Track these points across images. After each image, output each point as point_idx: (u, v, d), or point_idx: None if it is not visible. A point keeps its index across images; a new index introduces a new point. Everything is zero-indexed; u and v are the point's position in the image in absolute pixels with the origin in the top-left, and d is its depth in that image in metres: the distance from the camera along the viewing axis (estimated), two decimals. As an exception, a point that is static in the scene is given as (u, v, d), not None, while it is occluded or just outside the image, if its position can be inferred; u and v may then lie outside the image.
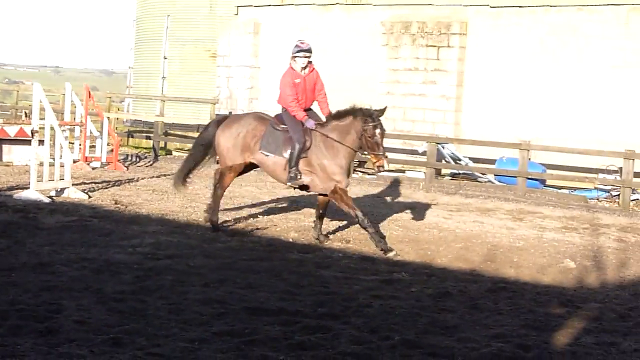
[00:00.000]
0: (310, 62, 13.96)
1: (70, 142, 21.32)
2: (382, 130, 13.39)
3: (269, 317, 9.27)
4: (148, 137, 30.24)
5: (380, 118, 13.40)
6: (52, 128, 17.95)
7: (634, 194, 21.39)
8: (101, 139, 23.44)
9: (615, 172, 22.10)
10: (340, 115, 13.70)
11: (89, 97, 23.18)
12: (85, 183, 19.08)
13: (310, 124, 13.71)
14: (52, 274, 10.63)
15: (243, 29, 30.19)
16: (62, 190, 17.42)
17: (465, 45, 25.63)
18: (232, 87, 30.11)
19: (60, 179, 17.49)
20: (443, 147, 24.51)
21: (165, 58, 33.17)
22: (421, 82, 25.99)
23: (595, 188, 22.13)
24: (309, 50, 13.85)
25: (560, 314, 10.14)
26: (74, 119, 22.97)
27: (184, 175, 15.16)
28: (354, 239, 14.37)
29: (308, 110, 14.10)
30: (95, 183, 19.46)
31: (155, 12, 33.77)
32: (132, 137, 31.43)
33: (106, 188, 18.94)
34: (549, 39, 24.19)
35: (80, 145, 22.83)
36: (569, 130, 23.37)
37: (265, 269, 11.69)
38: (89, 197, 17.39)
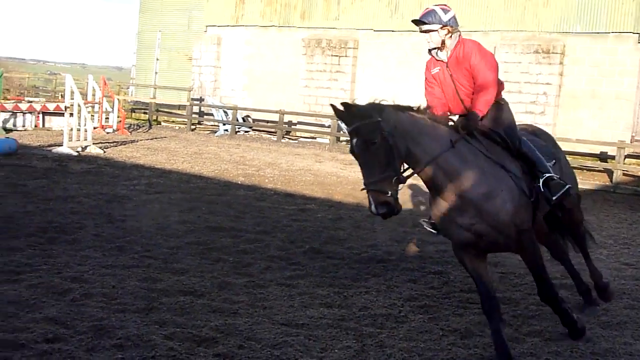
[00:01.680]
0: (451, 36, 5.54)
1: (91, 115, 20.94)
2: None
3: (223, 232, 9.28)
4: (145, 113, 29.89)
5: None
6: (79, 105, 17.58)
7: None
8: (113, 113, 23.07)
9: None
10: None
11: (105, 84, 22.85)
12: (101, 143, 18.71)
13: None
14: (78, 203, 10.46)
15: (210, 41, 29.73)
16: (86, 147, 17.12)
17: (357, 56, 25.56)
18: (202, 80, 29.73)
19: (84, 140, 17.29)
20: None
21: (157, 59, 32.55)
22: (328, 79, 25.89)
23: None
24: (424, 21, 5.51)
25: (413, 232, 10.32)
26: (94, 99, 22.55)
27: None
28: (281, 182, 14.36)
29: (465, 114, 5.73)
30: (108, 143, 19.11)
31: (150, 28, 33.06)
32: (134, 112, 30.99)
33: (116, 146, 18.62)
34: (410, 52, 24.21)
35: (98, 117, 22.46)
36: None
37: (222, 201, 11.66)
38: (104, 152, 17.09)
